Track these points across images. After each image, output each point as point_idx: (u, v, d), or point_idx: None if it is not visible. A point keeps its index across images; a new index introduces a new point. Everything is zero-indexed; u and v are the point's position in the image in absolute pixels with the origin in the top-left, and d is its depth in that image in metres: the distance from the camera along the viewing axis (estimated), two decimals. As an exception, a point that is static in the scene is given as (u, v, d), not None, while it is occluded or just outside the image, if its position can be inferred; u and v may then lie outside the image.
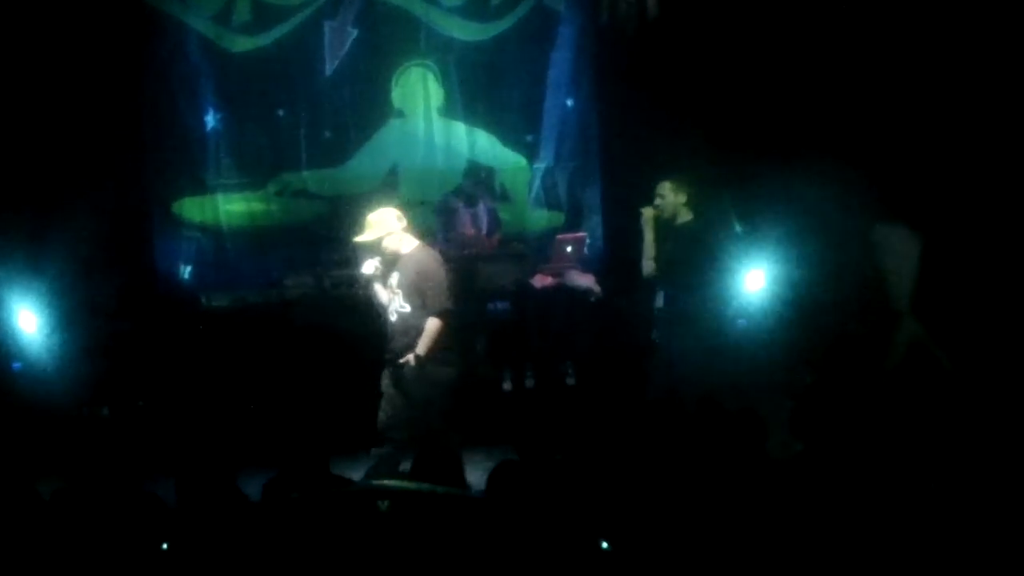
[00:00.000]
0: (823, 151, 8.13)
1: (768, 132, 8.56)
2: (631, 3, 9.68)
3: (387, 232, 6.81)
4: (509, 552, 3.49)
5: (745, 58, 8.80)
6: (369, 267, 6.82)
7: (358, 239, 6.88)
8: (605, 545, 3.64)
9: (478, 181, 9.68)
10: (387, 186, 10.08)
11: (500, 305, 9.15)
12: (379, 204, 7.07)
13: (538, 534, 3.63)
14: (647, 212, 7.15)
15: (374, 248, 6.74)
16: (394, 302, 6.81)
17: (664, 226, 7.16)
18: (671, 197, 7.29)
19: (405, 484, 4.59)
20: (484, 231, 9.64)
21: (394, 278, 6.83)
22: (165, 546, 3.87)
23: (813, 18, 8.55)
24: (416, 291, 6.78)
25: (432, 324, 6.73)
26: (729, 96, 8.89)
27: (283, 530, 3.72)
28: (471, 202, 9.57)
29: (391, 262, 6.83)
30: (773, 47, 8.68)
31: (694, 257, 7.14)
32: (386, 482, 5.29)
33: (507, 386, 8.82)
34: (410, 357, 6.65)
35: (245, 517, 4.24)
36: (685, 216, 7.21)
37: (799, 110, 8.55)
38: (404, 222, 6.79)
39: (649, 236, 7.13)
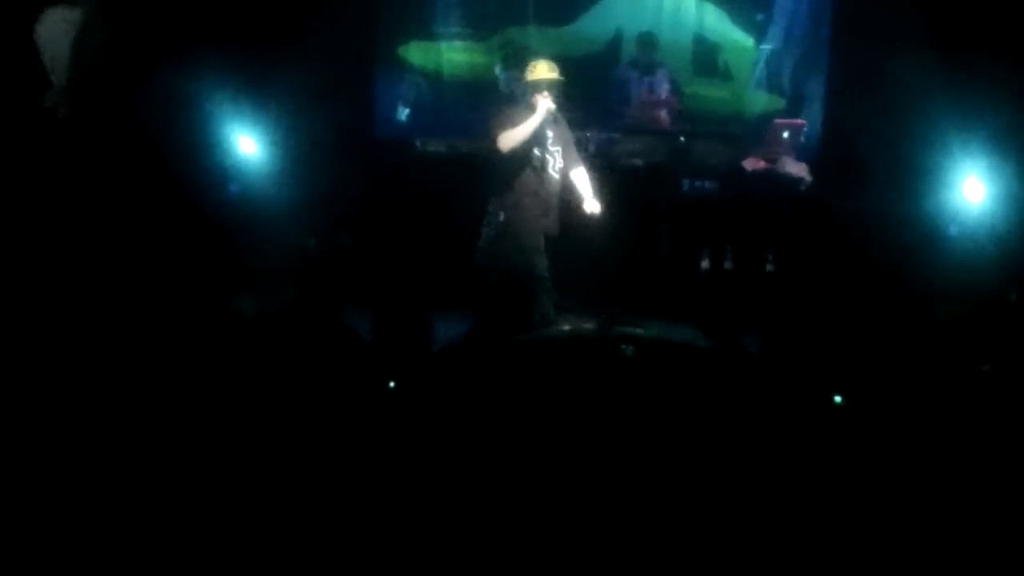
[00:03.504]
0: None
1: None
2: None
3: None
4: (746, 404, 3.52)
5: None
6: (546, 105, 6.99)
7: (553, 76, 7.08)
8: (838, 399, 3.65)
9: (654, 46, 9.57)
10: (609, 51, 10.06)
11: (708, 184, 9.07)
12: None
13: (773, 388, 3.65)
14: None
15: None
16: (552, 161, 6.99)
17: None
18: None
19: (648, 332, 4.64)
20: (662, 102, 9.60)
21: (549, 137, 6.98)
22: (392, 384, 3.97)
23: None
24: (573, 147, 7.36)
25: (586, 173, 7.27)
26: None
27: (523, 371, 3.78)
28: (647, 70, 9.54)
29: (547, 120, 7.00)
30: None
31: None
32: (631, 329, 5.36)
33: (705, 265, 8.80)
34: (593, 205, 7.19)
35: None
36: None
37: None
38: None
39: None
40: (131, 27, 7.92)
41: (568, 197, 7.35)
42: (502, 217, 7.16)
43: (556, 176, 7.21)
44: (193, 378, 3.94)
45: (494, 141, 7.02)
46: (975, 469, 3.36)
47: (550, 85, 7.10)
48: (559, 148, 7.23)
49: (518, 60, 7.63)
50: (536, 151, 7.13)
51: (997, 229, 7.92)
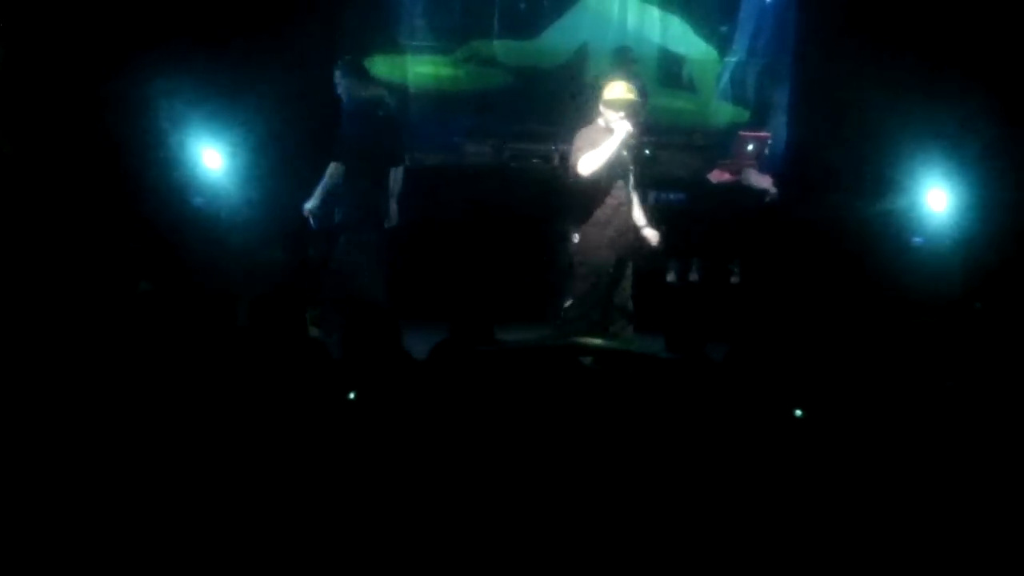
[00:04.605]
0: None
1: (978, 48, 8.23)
2: None
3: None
4: (703, 415, 3.52)
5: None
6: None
7: (631, 96, 6.97)
8: (799, 413, 3.66)
9: (631, 59, 9.57)
10: (575, 64, 10.07)
11: (673, 196, 9.08)
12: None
13: (731, 400, 3.65)
14: None
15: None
16: (631, 183, 6.97)
17: None
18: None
19: (609, 343, 4.64)
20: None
21: (626, 159, 6.93)
22: (352, 395, 3.95)
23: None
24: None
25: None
26: (933, 6, 8.59)
27: (488, 381, 3.77)
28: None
29: (624, 142, 6.91)
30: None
31: None
32: (591, 340, 5.35)
33: (671, 278, 8.82)
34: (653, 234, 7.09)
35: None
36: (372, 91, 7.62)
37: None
38: None
39: None
40: (87, 36, 7.88)
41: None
42: (577, 240, 7.08)
43: (633, 197, 7.11)
44: (157, 390, 3.92)
45: (574, 165, 6.88)
46: (937, 481, 3.37)
47: (628, 106, 6.92)
48: (633, 168, 7.08)
49: (356, 68, 7.67)
50: (614, 172, 6.95)
51: (961, 238, 7.98)
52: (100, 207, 7.65)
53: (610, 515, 3.17)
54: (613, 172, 6.86)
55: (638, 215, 7.14)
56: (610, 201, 6.91)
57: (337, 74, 7.67)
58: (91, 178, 7.73)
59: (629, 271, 7.08)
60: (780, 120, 10.08)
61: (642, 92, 9.74)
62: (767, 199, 8.92)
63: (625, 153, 6.91)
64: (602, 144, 6.76)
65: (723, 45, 10.40)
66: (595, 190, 6.89)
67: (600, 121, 6.93)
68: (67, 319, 5.34)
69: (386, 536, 3.22)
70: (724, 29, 10.41)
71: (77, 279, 6.66)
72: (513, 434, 3.40)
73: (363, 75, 7.77)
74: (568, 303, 7.09)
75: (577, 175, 6.82)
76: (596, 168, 6.75)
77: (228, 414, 3.79)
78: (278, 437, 3.64)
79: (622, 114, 6.81)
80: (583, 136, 6.92)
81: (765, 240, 8.58)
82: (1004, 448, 3.57)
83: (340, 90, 7.64)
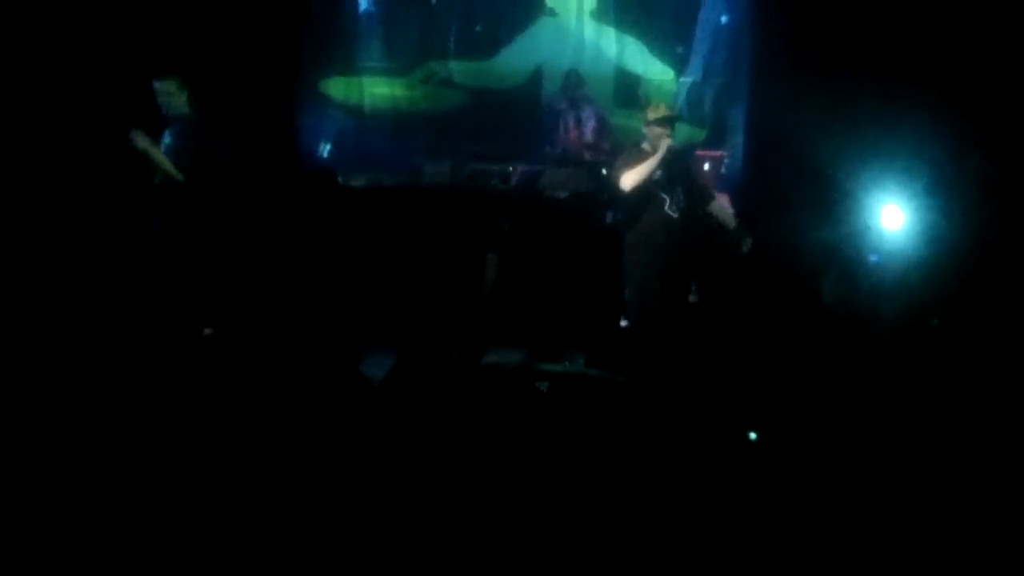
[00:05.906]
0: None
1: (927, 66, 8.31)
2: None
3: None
4: (660, 437, 3.54)
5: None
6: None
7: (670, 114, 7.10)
8: (753, 436, 3.67)
9: (578, 82, 9.62)
10: (531, 84, 10.10)
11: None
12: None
13: (689, 423, 3.67)
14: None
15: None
16: (670, 200, 6.99)
17: None
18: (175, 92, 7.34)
19: (565, 367, 4.64)
20: (588, 136, 9.63)
21: (666, 175, 7.01)
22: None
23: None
24: (701, 182, 7.39)
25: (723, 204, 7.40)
26: (885, 27, 8.68)
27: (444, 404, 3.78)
28: (573, 105, 9.59)
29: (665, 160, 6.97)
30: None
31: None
32: (546, 364, 5.36)
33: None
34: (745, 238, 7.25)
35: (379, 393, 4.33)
36: (183, 109, 7.33)
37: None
38: None
39: None
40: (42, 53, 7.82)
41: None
42: (624, 257, 7.14)
43: (675, 215, 7.14)
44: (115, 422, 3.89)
45: (616, 181, 7.00)
46: (895, 501, 3.39)
47: (669, 121, 7.05)
48: (680, 186, 7.15)
49: (173, 86, 7.60)
50: (655, 190, 7.04)
51: (917, 255, 8.04)
52: (55, 226, 7.60)
53: (567, 537, 3.17)
54: (657, 189, 6.98)
55: (725, 219, 7.38)
56: (653, 221, 6.98)
57: (157, 87, 7.52)
58: (48, 196, 7.67)
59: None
60: (737, 139, 10.14)
61: (599, 118, 9.86)
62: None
63: (670, 172, 7.05)
64: (643, 162, 6.92)
65: (679, 65, 10.48)
66: (641, 207, 7.02)
67: (645, 145, 7.07)
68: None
69: (351, 559, 3.21)
70: (680, 50, 10.49)
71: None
72: (471, 457, 3.40)
73: (178, 93, 7.64)
74: (628, 322, 7.17)
75: (620, 192, 6.96)
76: (636, 184, 6.90)
77: (186, 442, 3.77)
78: (240, 461, 3.62)
79: (666, 130, 6.97)
80: (623, 157, 7.12)
81: (723, 258, 8.60)
82: (965, 465, 3.60)
83: (160, 103, 7.52)
